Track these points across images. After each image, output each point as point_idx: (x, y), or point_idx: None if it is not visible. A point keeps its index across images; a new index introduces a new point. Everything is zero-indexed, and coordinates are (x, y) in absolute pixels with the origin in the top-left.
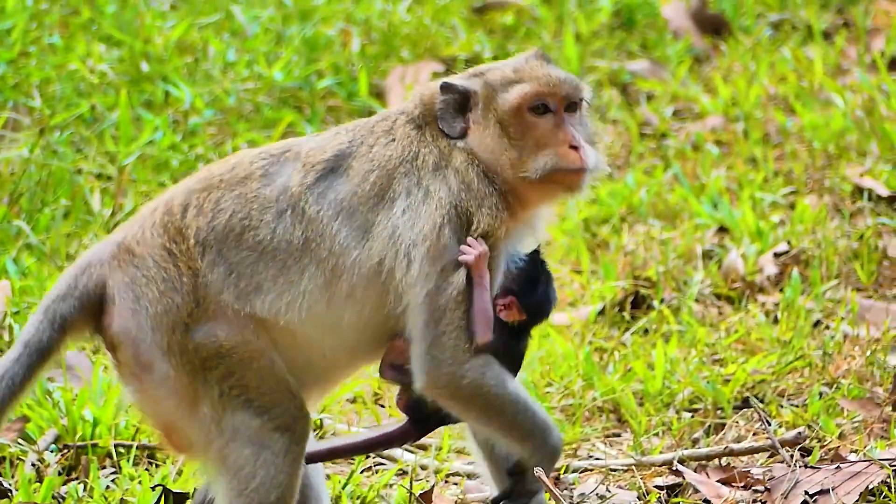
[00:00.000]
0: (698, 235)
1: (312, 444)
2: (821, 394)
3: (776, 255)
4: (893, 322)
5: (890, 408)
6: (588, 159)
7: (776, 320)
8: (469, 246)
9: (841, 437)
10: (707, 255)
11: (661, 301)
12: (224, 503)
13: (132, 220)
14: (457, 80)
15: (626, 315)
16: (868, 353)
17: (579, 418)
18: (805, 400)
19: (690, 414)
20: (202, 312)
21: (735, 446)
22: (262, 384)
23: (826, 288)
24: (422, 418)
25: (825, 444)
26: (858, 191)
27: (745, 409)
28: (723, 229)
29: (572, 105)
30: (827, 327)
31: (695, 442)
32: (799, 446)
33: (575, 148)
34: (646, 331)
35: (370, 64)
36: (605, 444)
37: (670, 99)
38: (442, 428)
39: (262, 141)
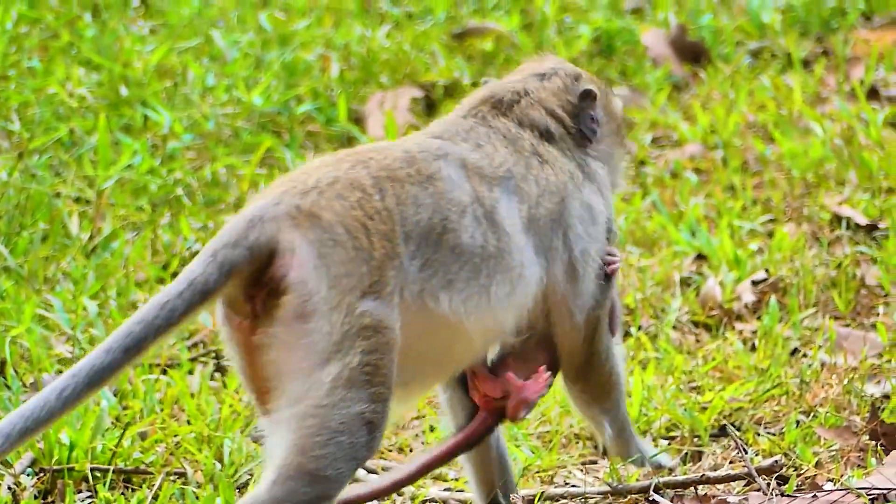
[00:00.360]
0: (676, 263)
1: (399, 466)
2: (798, 422)
3: (754, 283)
4: (871, 350)
5: (867, 437)
6: None
7: (753, 348)
8: (612, 255)
9: (818, 465)
10: (685, 283)
11: (639, 328)
12: (281, 456)
13: (292, 190)
14: (592, 87)
15: None
16: (845, 381)
17: (556, 445)
18: (782, 428)
19: (667, 441)
20: (381, 288)
21: (711, 474)
22: (387, 376)
23: (804, 316)
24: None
25: (802, 472)
26: (837, 219)
27: (722, 437)
28: (701, 257)
29: None
30: (804, 355)
31: (671, 470)
32: (775, 474)
33: None
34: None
35: (349, 89)
36: (582, 471)
37: (649, 126)
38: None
39: (241, 166)
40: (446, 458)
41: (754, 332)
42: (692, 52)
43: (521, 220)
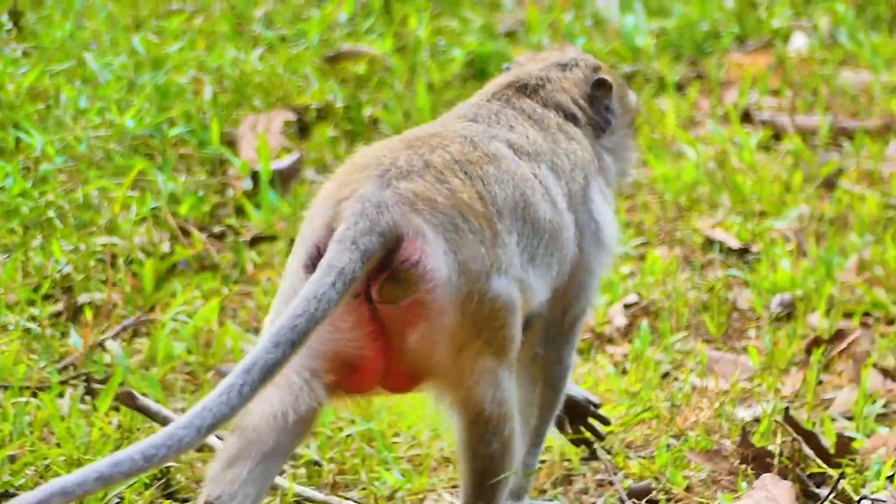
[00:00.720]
0: None
1: None
2: (668, 446)
3: (626, 307)
4: (742, 374)
5: (737, 460)
6: None
7: (625, 371)
8: None
9: (688, 489)
10: None
11: None
12: (461, 433)
13: (389, 174)
14: (607, 76)
15: None
16: (716, 405)
17: (426, 468)
18: (652, 452)
19: (538, 464)
20: (499, 266)
21: (582, 498)
22: (513, 337)
23: (675, 339)
24: None
25: (672, 496)
26: (709, 243)
27: (593, 461)
28: None
29: None
30: (675, 379)
31: (542, 493)
32: (646, 498)
33: None
34: None
35: (222, 112)
36: (452, 494)
37: None
38: None
39: (113, 189)
40: None
41: (626, 356)
42: None
43: (565, 198)
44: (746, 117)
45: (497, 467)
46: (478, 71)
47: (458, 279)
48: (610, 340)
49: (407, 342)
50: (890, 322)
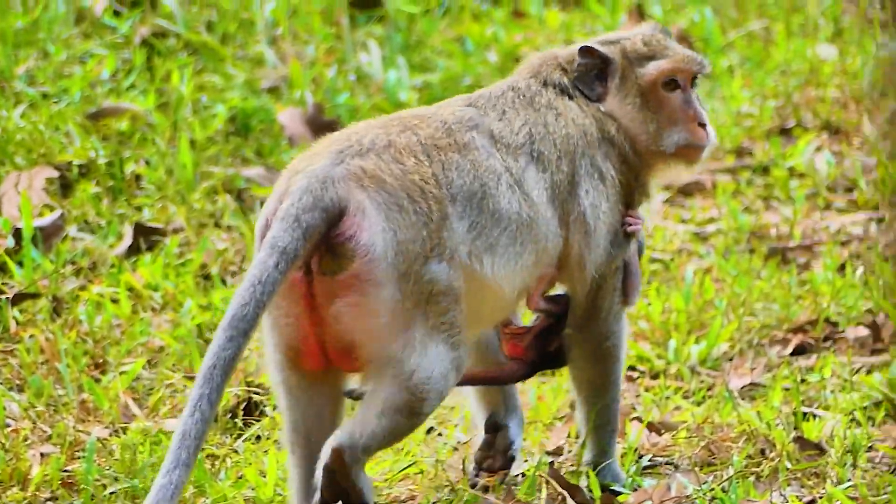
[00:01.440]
0: None
1: None
2: (435, 501)
3: None
4: None
5: None
6: (712, 136)
7: None
8: (634, 218)
9: None
10: None
11: (274, 408)
12: (386, 400)
13: (349, 149)
14: (596, 45)
15: (239, 422)
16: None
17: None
18: None
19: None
20: (441, 250)
21: None
22: (461, 325)
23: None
24: (538, 358)
25: None
26: None
27: None
28: None
29: (694, 81)
30: (440, 434)
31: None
32: None
33: (703, 125)
34: (258, 437)
35: None
36: None
37: None
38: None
39: None
40: (469, 381)
41: None
42: (329, 131)
43: (546, 191)
44: None
45: (397, 435)
46: (241, 126)
47: (396, 257)
48: None
49: (335, 314)
50: (655, 376)
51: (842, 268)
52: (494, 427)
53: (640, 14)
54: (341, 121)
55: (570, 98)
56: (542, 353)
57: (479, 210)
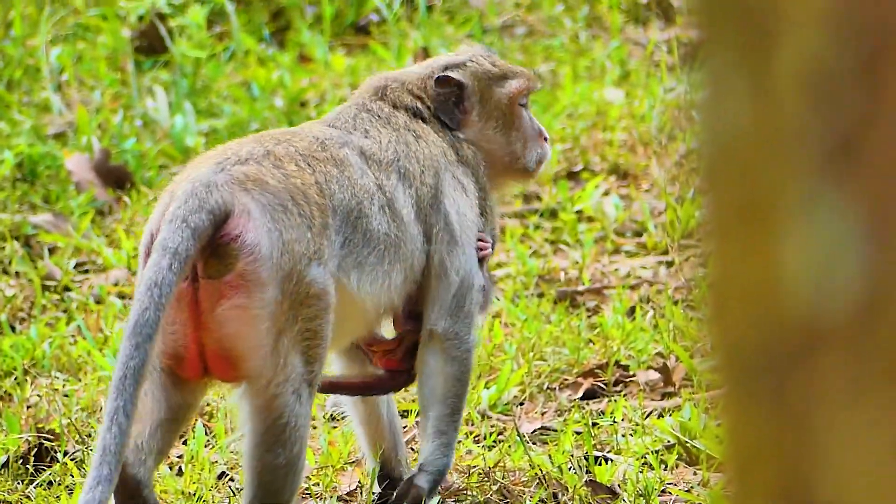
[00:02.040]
0: (102, 388)
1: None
2: None
3: None
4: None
5: None
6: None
7: (181, 472)
8: (483, 241)
9: None
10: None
11: (65, 454)
12: (254, 438)
13: (227, 160)
14: (451, 73)
15: (31, 468)
16: None
17: None
18: None
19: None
20: (321, 255)
21: None
22: (324, 337)
23: (230, 440)
24: (407, 370)
25: None
26: None
27: None
28: None
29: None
30: (232, 479)
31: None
32: None
33: (545, 139)
34: (50, 483)
35: None
36: None
37: (73, 252)
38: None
39: None
40: (335, 388)
41: (180, 457)
42: (116, 177)
43: (413, 207)
44: None
45: (280, 482)
46: (28, 173)
47: (281, 257)
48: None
49: (218, 316)
50: None
51: (631, 311)
52: (385, 478)
53: (426, 57)
54: (128, 166)
55: (424, 121)
56: (409, 366)
57: (353, 229)
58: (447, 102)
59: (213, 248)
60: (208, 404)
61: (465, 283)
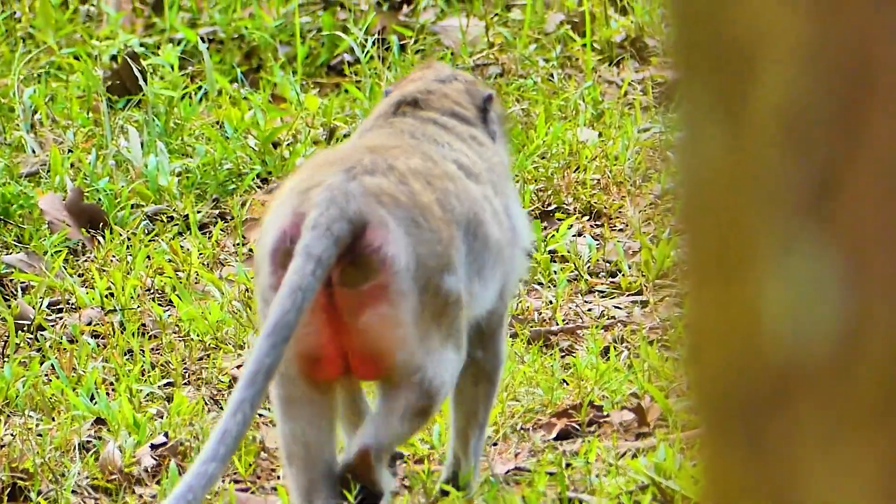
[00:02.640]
0: (76, 427)
1: None
2: None
3: (153, 447)
4: None
5: None
6: None
7: None
8: None
9: None
10: (84, 447)
11: (39, 493)
12: (408, 405)
13: (354, 169)
14: (490, 91)
15: None
16: None
17: None
18: None
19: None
20: (453, 266)
21: None
22: (463, 332)
23: None
24: None
25: None
26: (236, 382)
27: None
28: (100, 421)
29: None
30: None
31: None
32: None
33: None
34: None
35: None
36: None
37: (46, 291)
38: None
39: None
40: None
41: (154, 497)
42: (89, 216)
43: (502, 216)
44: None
45: (410, 435)
46: (1, 211)
47: (417, 270)
48: (139, 481)
49: (363, 325)
50: (419, 461)
51: (606, 351)
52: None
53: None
54: (102, 206)
55: (475, 126)
56: None
57: (475, 237)
58: (490, 119)
59: (352, 257)
60: (182, 444)
61: (506, 303)
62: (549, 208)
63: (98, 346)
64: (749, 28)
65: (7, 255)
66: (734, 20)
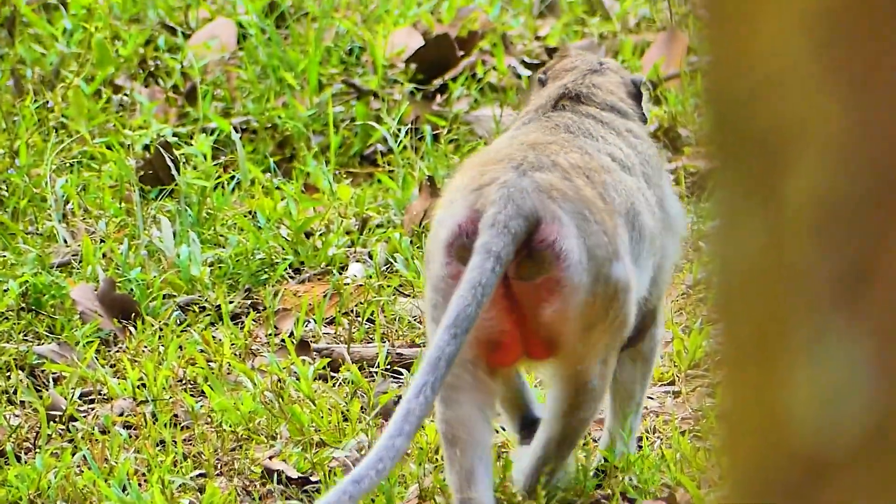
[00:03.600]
0: None
1: None
2: None
3: None
4: None
5: None
6: None
7: None
8: None
9: None
10: None
11: None
12: (560, 401)
13: (521, 166)
14: (636, 75)
15: None
16: None
17: None
18: None
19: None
20: (618, 254)
21: None
22: (630, 319)
23: None
24: None
25: None
26: (268, 473)
27: None
28: None
29: None
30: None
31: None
32: None
33: None
34: None
35: None
36: None
37: (78, 381)
38: None
39: None
40: None
41: None
42: (121, 307)
43: (657, 206)
44: (304, 346)
45: (576, 435)
46: (32, 302)
47: (588, 262)
48: None
49: (541, 316)
50: None
51: (638, 441)
52: (530, 424)
53: (432, 186)
54: (133, 296)
55: (634, 120)
56: None
57: (632, 226)
58: (643, 106)
59: (527, 251)
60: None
61: (662, 289)
62: None
63: (130, 436)
64: (785, 117)
65: (39, 345)
66: (769, 109)
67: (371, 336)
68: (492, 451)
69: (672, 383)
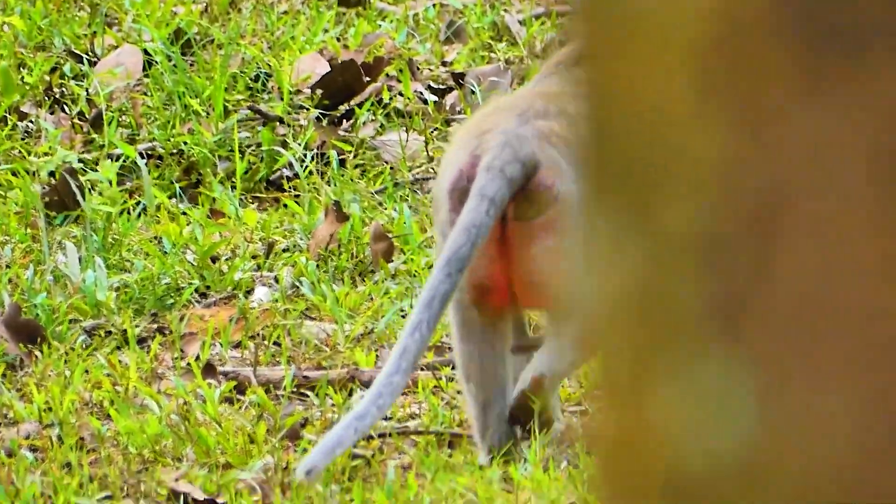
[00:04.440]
0: None
1: None
2: None
3: None
4: None
5: None
6: None
7: None
8: None
9: None
10: None
11: None
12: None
13: (525, 114)
14: None
15: None
16: None
17: None
18: None
19: None
20: None
21: None
22: None
23: None
24: None
25: None
26: (175, 495)
27: None
28: None
29: None
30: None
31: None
32: None
33: None
34: None
35: None
36: None
37: None
38: None
39: None
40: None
41: None
42: (27, 332)
43: None
44: (210, 370)
45: (580, 365)
46: None
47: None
48: None
49: (532, 256)
50: None
51: (546, 462)
52: (523, 348)
53: (338, 211)
54: (40, 321)
55: None
56: None
57: None
58: None
59: (525, 194)
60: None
61: None
62: None
63: (36, 459)
64: (664, 146)
65: None
66: (649, 138)
67: (277, 359)
68: (509, 383)
69: (578, 404)
